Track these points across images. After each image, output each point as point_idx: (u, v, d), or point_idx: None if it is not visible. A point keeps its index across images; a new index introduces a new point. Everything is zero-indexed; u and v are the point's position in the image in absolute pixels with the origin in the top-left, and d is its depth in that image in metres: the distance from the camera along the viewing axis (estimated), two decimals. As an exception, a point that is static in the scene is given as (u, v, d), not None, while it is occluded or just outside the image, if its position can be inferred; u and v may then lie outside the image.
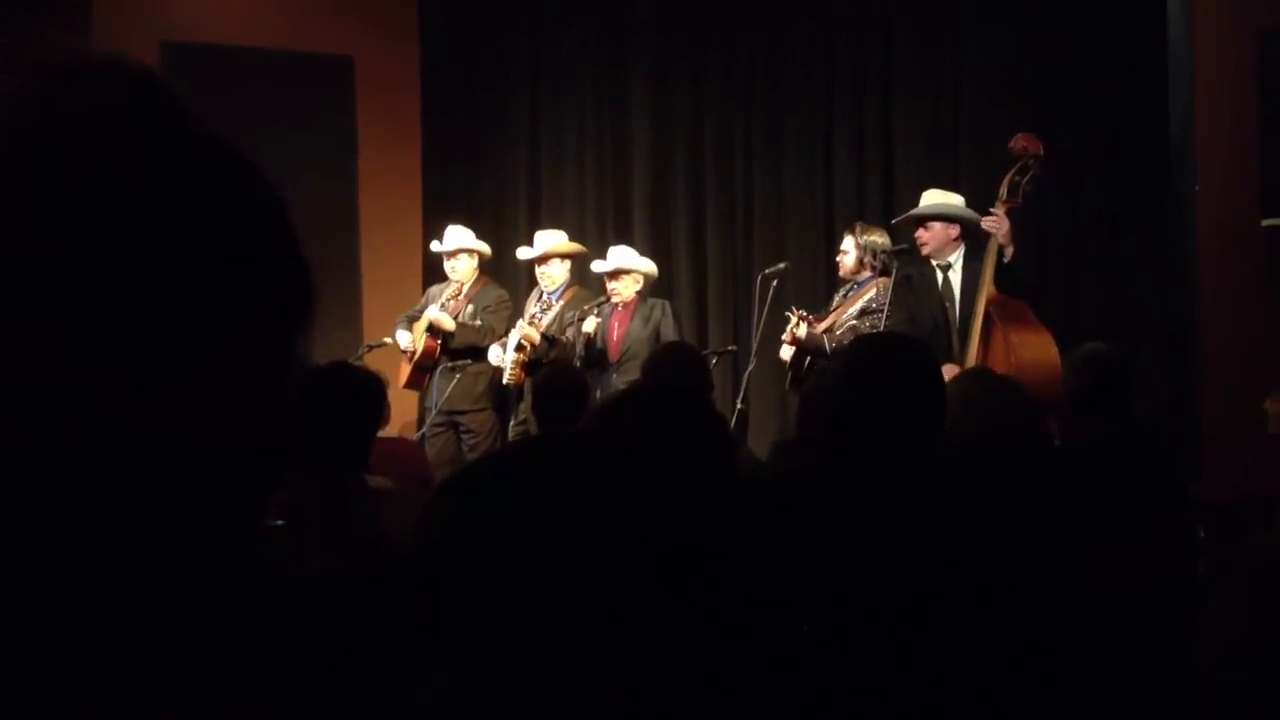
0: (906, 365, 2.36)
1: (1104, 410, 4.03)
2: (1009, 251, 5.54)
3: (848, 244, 6.25)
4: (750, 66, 7.78)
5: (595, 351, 6.67)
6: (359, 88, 8.23)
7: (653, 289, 7.06)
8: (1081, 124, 6.76)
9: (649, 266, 6.94)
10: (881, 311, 5.92)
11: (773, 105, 7.70)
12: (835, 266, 6.41)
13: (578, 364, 6.46)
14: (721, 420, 2.06)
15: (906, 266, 5.95)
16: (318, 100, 8.12)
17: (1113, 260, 6.76)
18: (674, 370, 4.05)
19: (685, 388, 2.02)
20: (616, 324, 6.77)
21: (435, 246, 7.25)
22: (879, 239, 6.24)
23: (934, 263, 5.92)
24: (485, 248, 7.27)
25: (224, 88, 7.84)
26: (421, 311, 7.24)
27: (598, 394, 6.30)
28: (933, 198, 6.00)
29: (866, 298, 6.09)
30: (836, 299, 6.34)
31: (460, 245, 7.14)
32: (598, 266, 6.88)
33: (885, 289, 6.01)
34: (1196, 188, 6.30)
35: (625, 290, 6.77)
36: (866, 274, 6.20)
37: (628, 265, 6.80)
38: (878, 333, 5.38)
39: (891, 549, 2.18)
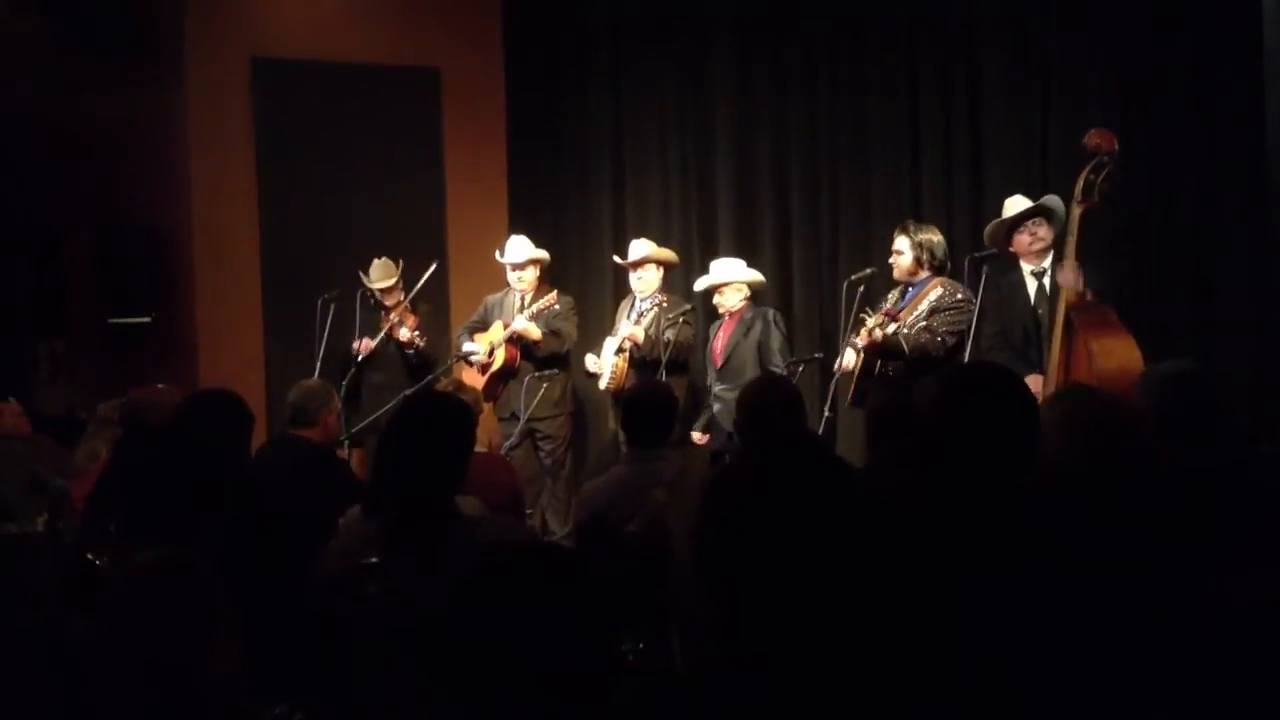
0: (1002, 401, 2.33)
1: (1192, 435, 3.59)
2: (1089, 293, 5.31)
3: (902, 244, 6.19)
4: (833, 72, 7.71)
5: (697, 359, 6.86)
6: (445, 99, 8.32)
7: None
8: (1176, 125, 6.60)
9: (752, 275, 6.99)
10: (954, 310, 5.87)
11: (857, 109, 7.63)
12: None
13: (661, 372, 6.51)
14: (843, 472, 1.88)
15: (998, 273, 5.84)
16: (405, 112, 8.22)
17: (1208, 261, 6.61)
18: (765, 402, 4.04)
19: (798, 445, 1.86)
20: (721, 334, 6.87)
21: (500, 258, 7.32)
22: (934, 237, 6.20)
23: (1027, 269, 5.79)
24: (546, 255, 7.33)
25: (313, 101, 7.97)
26: (481, 321, 7.30)
27: (713, 406, 6.45)
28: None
29: (933, 296, 6.02)
30: (891, 300, 6.26)
31: (530, 256, 7.21)
32: (700, 284, 7.02)
33: (951, 288, 5.97)
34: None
35: (729, 302, 6.87)
36: (924, 274, 6.14)
37: (729, 278, 6.89)
38: (968, 364, 5.13)
39: (990, 587, 2.16)
